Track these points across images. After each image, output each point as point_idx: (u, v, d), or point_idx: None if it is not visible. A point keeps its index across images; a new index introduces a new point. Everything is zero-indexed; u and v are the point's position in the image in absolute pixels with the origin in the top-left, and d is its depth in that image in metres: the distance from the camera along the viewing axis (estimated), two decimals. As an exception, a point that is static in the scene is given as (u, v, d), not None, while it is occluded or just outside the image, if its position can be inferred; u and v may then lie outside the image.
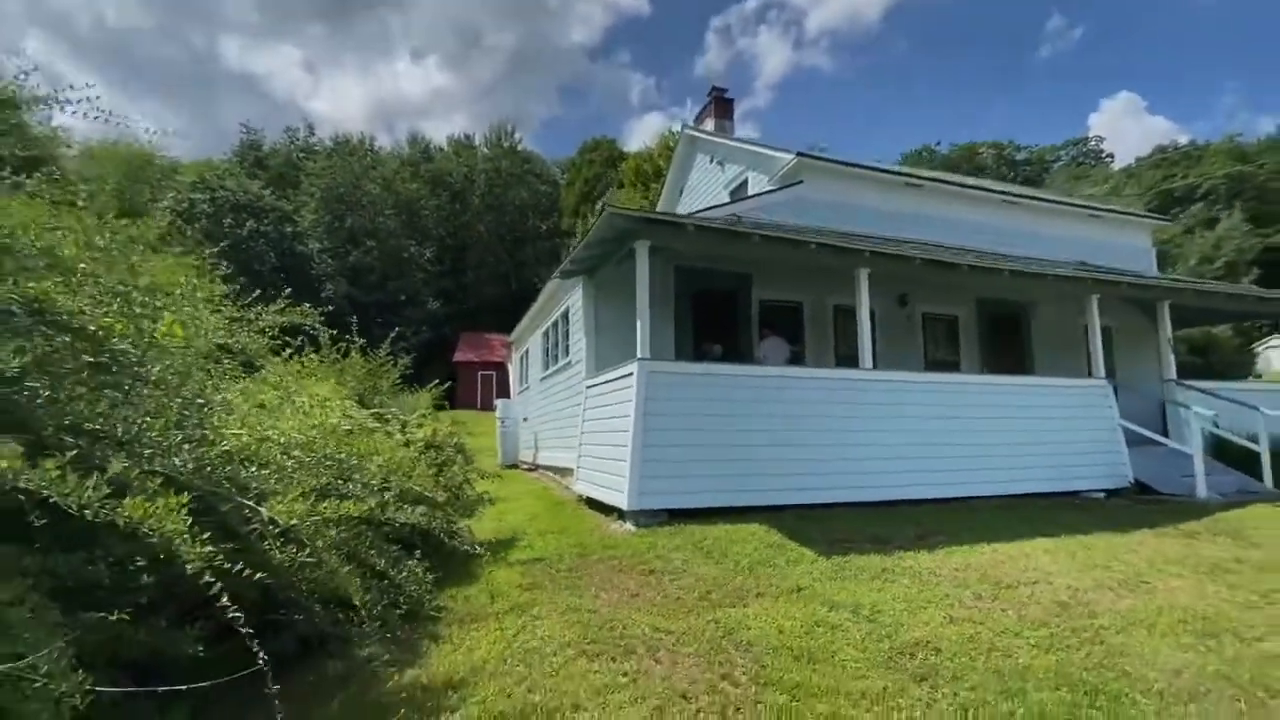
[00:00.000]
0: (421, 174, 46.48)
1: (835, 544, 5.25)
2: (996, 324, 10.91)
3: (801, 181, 9.81)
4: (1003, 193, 11.29)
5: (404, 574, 3.36)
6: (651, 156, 37.18)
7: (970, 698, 3.15)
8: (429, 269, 44.26)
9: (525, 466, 11.81)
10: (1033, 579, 4.75)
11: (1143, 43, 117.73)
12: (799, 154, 9.65)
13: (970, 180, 11.47)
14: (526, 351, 13.35)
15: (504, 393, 22.87)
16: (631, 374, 5.94)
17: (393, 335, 8.81)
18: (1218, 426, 8.67)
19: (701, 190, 13.18)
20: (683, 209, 13.96)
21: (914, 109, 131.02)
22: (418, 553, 4.13)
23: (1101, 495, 7.92)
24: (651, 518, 5.72)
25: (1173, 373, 9.09)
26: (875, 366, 7.74)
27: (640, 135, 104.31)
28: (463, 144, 53.50)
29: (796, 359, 9.35)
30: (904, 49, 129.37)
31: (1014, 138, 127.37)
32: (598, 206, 33.75)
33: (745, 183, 11.31)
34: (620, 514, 5.91)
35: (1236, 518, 6.68)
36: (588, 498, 7.08)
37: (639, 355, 6.05)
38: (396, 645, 3.38)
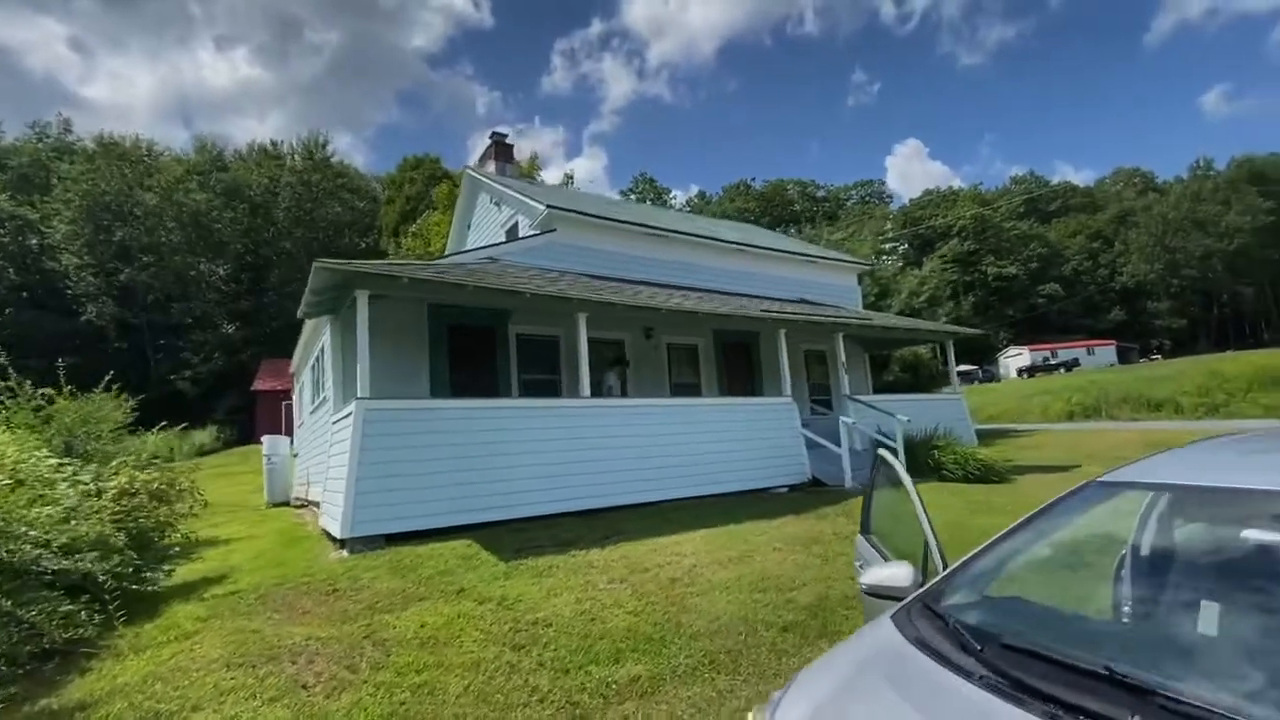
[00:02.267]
0: (212, 184, 41.97)
1: (522, 550, 6.25)
2: (731, 351, 12.95)
3: (555, 230, 11.03)
4: (734, 242, 13.50)
5: (40, 616, 3.67)
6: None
7: (550, 655, 4.21)
8: (223, 289, 40.01)
9: (297, 503, 11.61)
10: (668, 562, 6.11)
11: (927, 98, 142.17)
12: (549, 206, 10.87)
13: (704, 231, 13.52)
14: (302, 384, 13.13)
15: (299, 424, 21.62)
16: (350, 413, 6.51)
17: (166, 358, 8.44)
18: (879, 431, 11.20)
19: (484, 227, 14.01)
20: (469, 243, 14.67)
21: (742, 142, 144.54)
22: (85, 596, 4.39)
23: (785, 490, 9.91)
24: (368, 544, 6.32)
25: (846, 389, 11.56)
26: (625, 394, 9.01)
27: (529, 149, 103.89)
28: (267, 152, 49.21)
29: (552, 389, 10.48)
30: (734, 87, 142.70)
31: (824, 176, 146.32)
32: (412, 228, 33.11)
33: (516, 225, 12.33)
34: (340, 543, 6.42)
35: (858, 502, 8.84)
36: (326, 531, 7.45)
37: (359, 395, 6.65)
38: (31, 681, 3.68)
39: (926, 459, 10.57)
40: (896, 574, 2.50)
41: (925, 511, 2.73)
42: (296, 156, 47.65)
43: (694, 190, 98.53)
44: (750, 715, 2.04)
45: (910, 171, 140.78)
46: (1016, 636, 1.83)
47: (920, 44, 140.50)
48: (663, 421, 8.98)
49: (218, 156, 44.33)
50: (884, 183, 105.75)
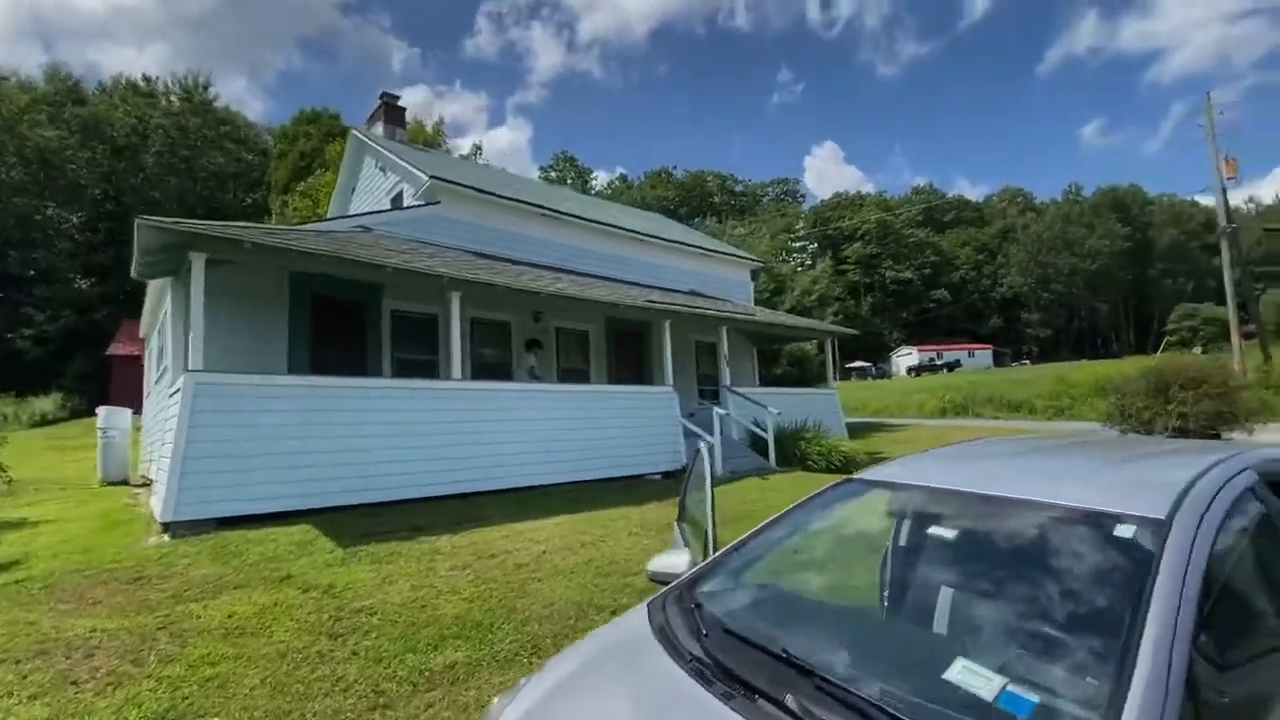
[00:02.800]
0: (66, 118, 37.11)
1: (367, 536, 6.03)
2: (623, 339, 13.03)
3: (439, 202, 10.61)
4: (628, 230, 13.55)
5: None
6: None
7: (367, 644, 4.08)
8: (76, 239, 35.69)
9: (139, 482, 10.61)
10: (519, 548, 6.09)
11: (846, 103, 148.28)
12: (433, 176, 10.43)
13: (604, 218, 13.46)
14: (150, 351, 11.97)
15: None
16: (179, 387, 5.99)
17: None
18: (755, 422, 11.68)
19: (368, 194, 13.26)
20: (353, 209, 13.84)
21: (668, 128, 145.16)
22: None
23: (659, 477, 10.14)
24: (193, 528, 5.87)
25: (728, 381, 11.96)
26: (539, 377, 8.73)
27: (438, 114, 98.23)
28: (137, 89, 44.06)
29: (430, 368, 10.13)
30: (665, 71, 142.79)
31: (747, 169, 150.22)
32: (300, 187, 30.85)
33: (401, 193, 11.76)
34: (164, 526, 5.93)
35: (723, 491, 9.20)
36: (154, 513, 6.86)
37: (188, 367, 6.13)
38: None
39: (794, 450, 11.16)
40: (675, 561, 2.61)
41: (712, 501, 2.85)
42: (173, 97, 43.08)
43: (617, 173, 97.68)
44: (494, 700, 2.06)
45: (827, 173, 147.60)
46: (739, 622, 1.94)
47: (843, 50, 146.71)
48: (540, 407, 8.92)
49: (74, 88, 39.14)
50: (799, 181, 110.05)
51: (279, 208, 35.34)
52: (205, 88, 45.05)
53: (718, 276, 15.51)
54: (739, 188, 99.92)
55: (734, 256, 16.00)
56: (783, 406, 12.31)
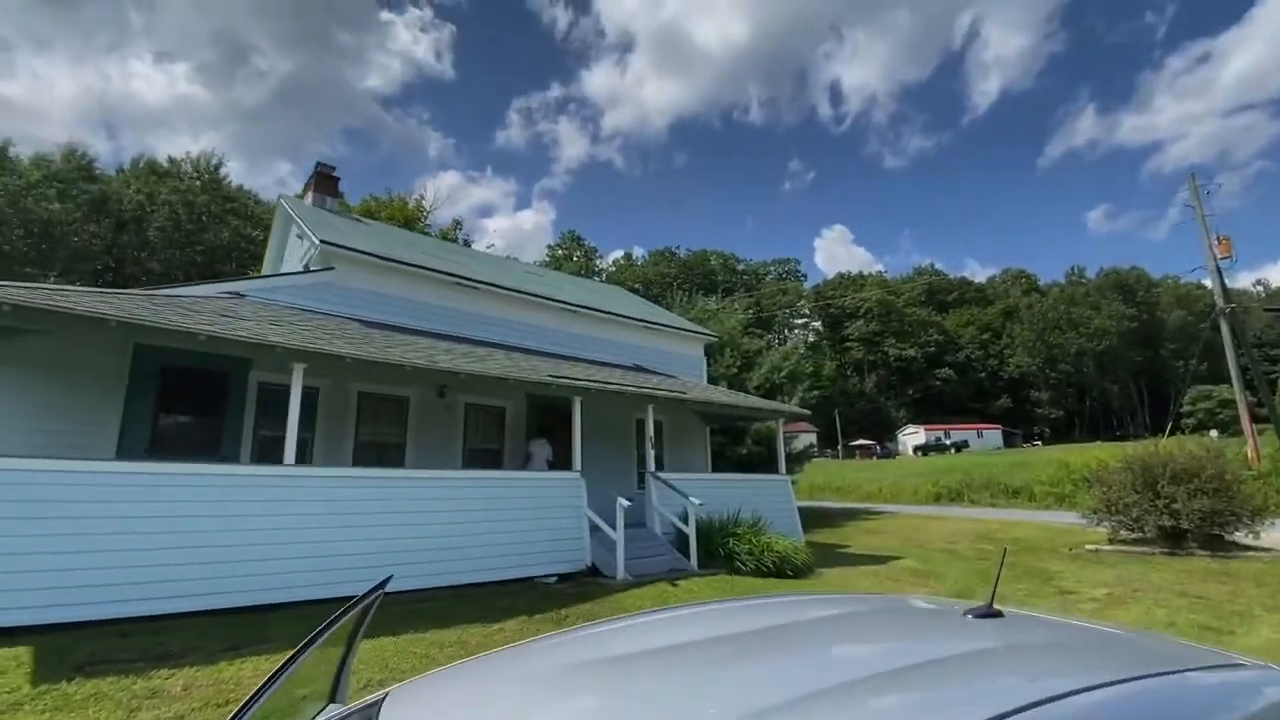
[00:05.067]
0: (73, 194, 38.40)
1: (88, 665, 4.78)
2: (546, 418, 11.93)
3: (332, 268, 9.89)
4: (563, 302, 12.77)
5: None
6: (372, 210, 35.82)
7: None
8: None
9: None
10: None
11: (854, 190, 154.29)
12: (323, 241, 9.76)
13: (530, 287, 12.70)
14: None
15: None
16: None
17: None
18: (681, 517, 10.32)
19: (290, 262, 12.68)
20: (277, 278, 13.24)
21: (684, 211, 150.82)
22: None
23: (553, 580, 8.76)
24: None
25: (651, 465, 10.73)
26: (404, 463, 7.59)
27: (442, 190, 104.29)
28: (154, 169, 45.91)
29: (304, 447, 9.06)
30: (682, 161, 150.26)
31: (758, 252, 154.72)
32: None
33: (311, 260, 11.10)
34: None
35: (617, 600, 7.80)
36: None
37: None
38: None
39: (720, 547, 9.77)
40: None
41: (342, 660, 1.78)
42: (182, 176, 44.71)
43: (622, 252, 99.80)
44: None
45: (835, 254, 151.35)
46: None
47: (851, 143, 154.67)
48: (399, 497, 7.75)
49: (86, 166, 40.77)
50: (799, 261, 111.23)
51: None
52: (216, 167, 46.91)
53: (665, 351, 14.56)
54: (741, 266, 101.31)
55: (682, 330, 15.08)
56: (723, 495, 10.98)
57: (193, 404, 8.43)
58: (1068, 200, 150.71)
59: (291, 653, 1.48)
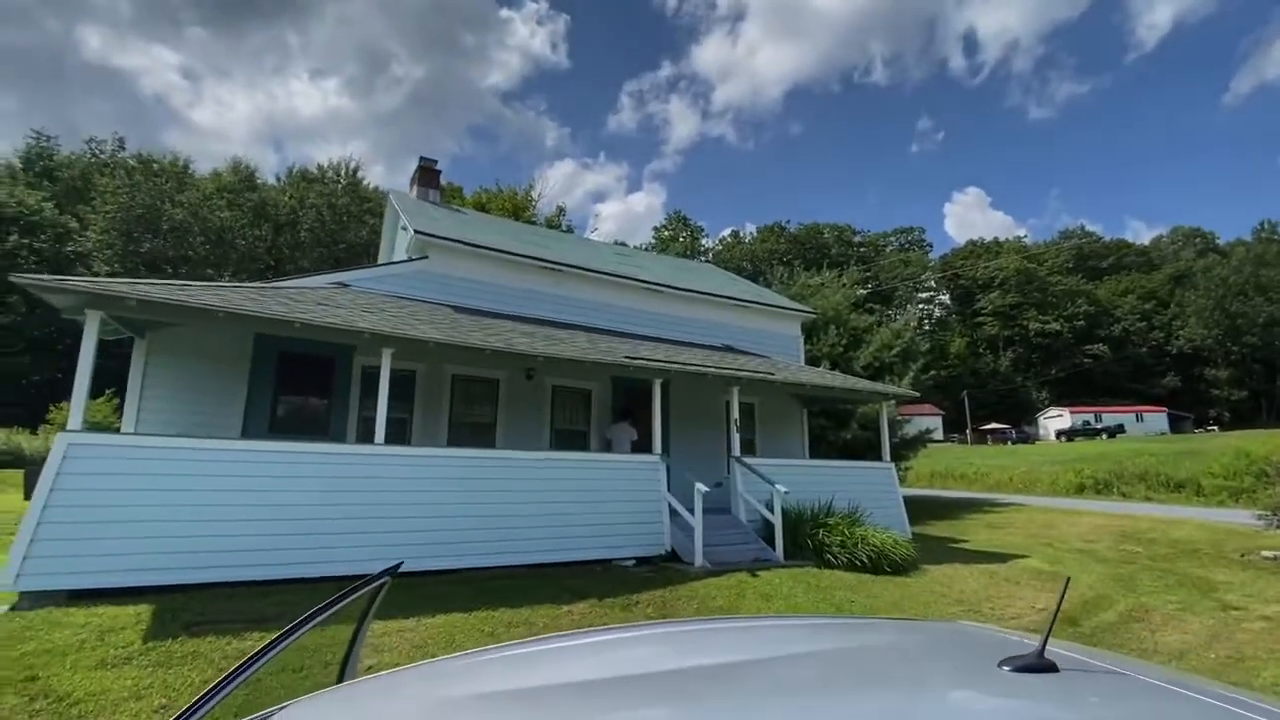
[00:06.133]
0: (240, 203, 43.75)
1: (195, 625, 5.34)
2: (634, 397, 11.88)
3: (427, 257, 10.36)
4: (647, 282, 12.55)
5: None
6: (483, 203, 37.75)
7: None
8: (235, 303, 41.17)
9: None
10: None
11: (992, 148, 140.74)
12: (418, 231, 10.22)
13: (615, 268, 12.59)
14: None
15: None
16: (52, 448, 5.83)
17: None
18: (766, 505, 9.89)
19: (397, 252, 13.53)
20: (387, 269, 14.18)
21: (801, 184, 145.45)
22: None
23: (631, 563, 8.72)
24: (39, 600, 5.53)
25: (736, 450, 10.33)
26: (494, 443, 7.93)
27: (551, 179, 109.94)
28: (305, 176, 51.27)
29: (402, 427, 9.66)
30: (798, 131, 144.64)
31: (881, 223, 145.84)
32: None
33: (410, 249, 11.74)
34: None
35: (690, 588, 7.59)
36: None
37: (67, 426, 5.97)
38: None
39: (808, 538, 9.23)
40: None
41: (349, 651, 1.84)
42: (327, 181, 49.48)
43: (727, 231, 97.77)
44: None
45: (970, 220, 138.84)
46: None
47: (989, 95, 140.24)
48: (484, 476, 8.01)
49: (249, 177, 46.25)
50: (924, 230, 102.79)
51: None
52: (355, 170, 51.52)
53: (758, 330, 13.96)
54: (858, 238, 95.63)
55: (775, 308, 14.36)
56: (815, 483, 10.40)
57: (305, 387, 9.21)
58: (1258, 144, 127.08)
59: (280, 632, 1.45)
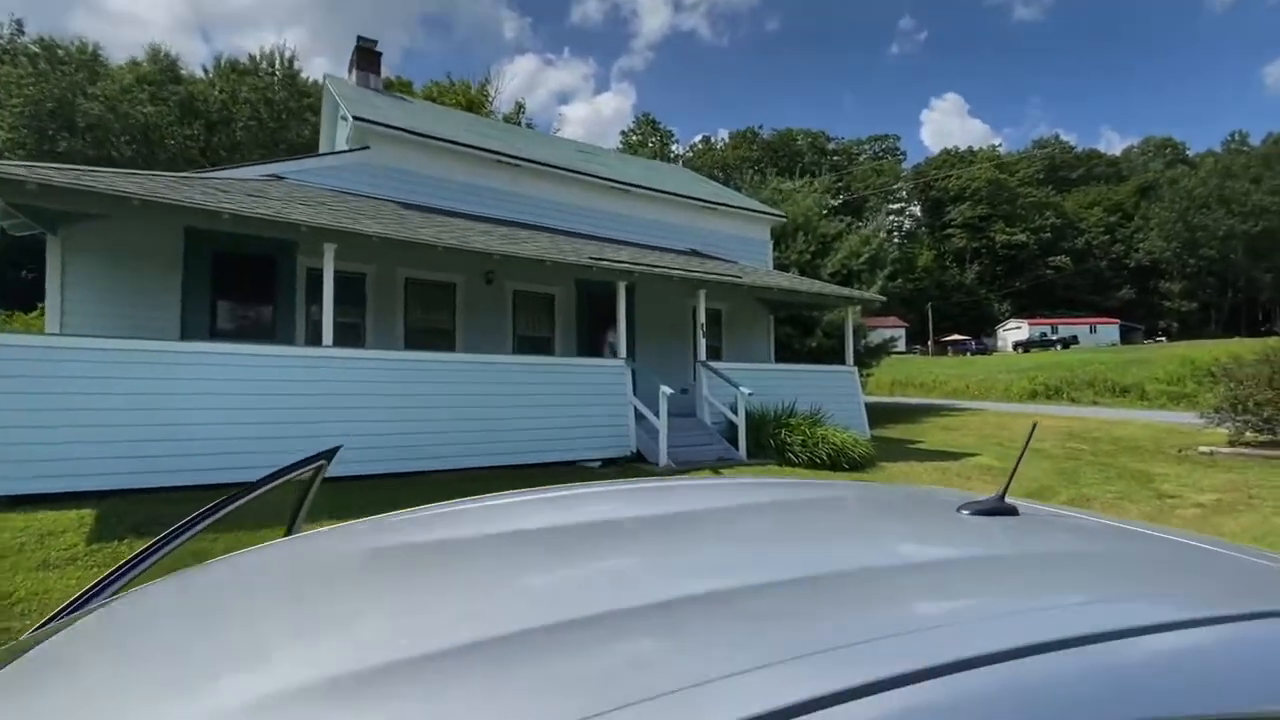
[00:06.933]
0: (164, 96, 39.91)
1: (141, 527, 5.13)
2: (597, 302, 11.54)
3: (368, 147, 9.54)
4: (612, 180, 11.91)
5: None
6: (434, 97, 35.13)
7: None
8: (175, 209, 38.55)
9: None
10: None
11: (974, 50, 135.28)
12: (356, 118, 9.34)
13: (578, 165, 11.87)
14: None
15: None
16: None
17: None
18: (731, 407, 9.90)
19: (337, 143, 12.47)
20: (331, 166, 13.13)
21: (775, 86, 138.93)
22: None
23: (597, 464, 8.74)
24: (-39, 506, 5.22)
25: (702, 355, 10.23)
26: (455, 349, 7.53)
27: (511, 76, 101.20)
28: (235, 67, 46.75)
29: (355, 332, 9.23)
30: (774, 27, 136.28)
31: (857, 129, 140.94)
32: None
33: (350, 139, 10.80)
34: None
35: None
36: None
37: (-34, 326, 5.44)
38: None
39: (770, 438, 9.34)
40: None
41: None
42: (261, 73, 45.28)
43: (698, 137, 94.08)
44: None
45: (947, 128, 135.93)
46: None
47: None
48: (451, 380, 7.74)
49: (171, 66, 41.96)
50: (899, 138, 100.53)
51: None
52: (291, 61, 47.09)
53: (726, 234, 13.54)
54: (832, 145, 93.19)
55: (744, 210, 13.87)
56: (779, 386, 10.42)
57: (247, 290, 8.64)
58: (1241, 51, 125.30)
59: (168, 531, 1.31)
